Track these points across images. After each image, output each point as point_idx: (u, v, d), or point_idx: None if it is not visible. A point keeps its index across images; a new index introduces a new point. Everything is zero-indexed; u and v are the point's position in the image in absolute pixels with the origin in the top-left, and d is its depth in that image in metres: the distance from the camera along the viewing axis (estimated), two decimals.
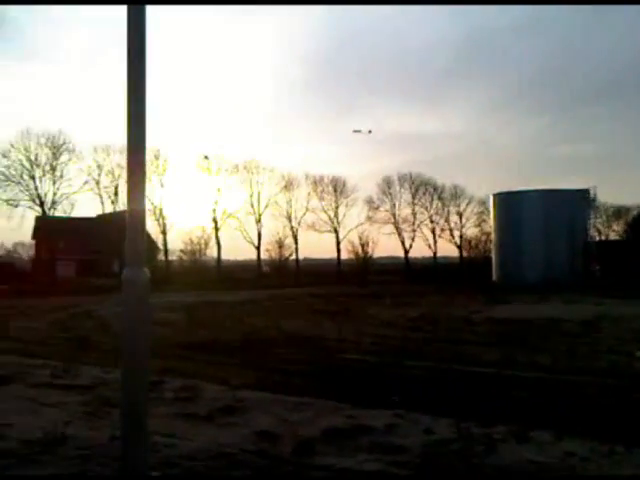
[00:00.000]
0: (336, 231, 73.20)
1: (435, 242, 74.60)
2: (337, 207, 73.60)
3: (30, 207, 61.40)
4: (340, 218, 73.53)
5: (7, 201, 59.76)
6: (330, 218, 73.27)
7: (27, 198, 60.86)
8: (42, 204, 61.10)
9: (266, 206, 70.86)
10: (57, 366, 10.10)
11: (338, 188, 73.50)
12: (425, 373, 9.82)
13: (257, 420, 6.68)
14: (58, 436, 5.83)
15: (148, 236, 65.09)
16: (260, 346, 12.84)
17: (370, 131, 75.15)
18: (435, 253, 74.95)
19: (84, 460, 5.30)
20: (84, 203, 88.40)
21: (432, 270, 66.33)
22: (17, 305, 26.99)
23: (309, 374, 9.81)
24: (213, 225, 68.55)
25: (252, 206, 70.18)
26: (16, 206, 60.40)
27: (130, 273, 4.24)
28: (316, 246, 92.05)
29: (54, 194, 61.67)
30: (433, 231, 74.92)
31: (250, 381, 8.93)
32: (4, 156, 60.24)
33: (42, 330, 17.61)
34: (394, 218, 74.10)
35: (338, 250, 73.52)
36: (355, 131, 72.62)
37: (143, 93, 4.26)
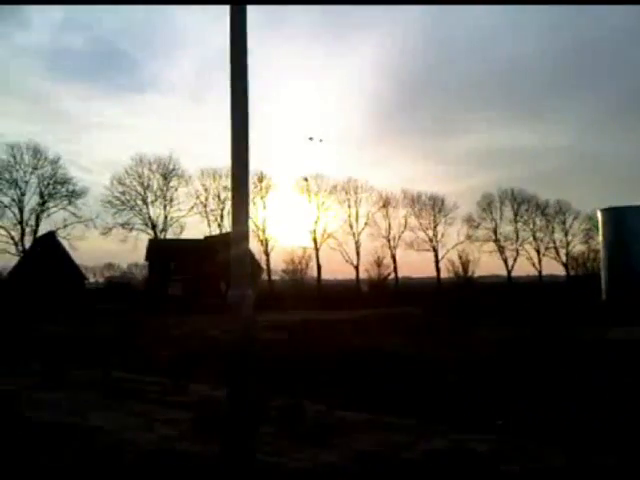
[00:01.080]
0: (435, 250, 72.21)
1: (540, 260, 71.93)
2: (436, 225, 72.67)
3: (143, 230, 64.87)
4: (439, 236, 72.56)
5: (123, 225, 63.42)
6: (429, 237, 72.43)
7: (140, 222, 64.36)
8: (154, 227, 64.37)
9: (364, 225, 71.03)
10: (168, 383, 10.43)
11: (436, 206, 72.60)
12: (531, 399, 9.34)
13: (358, 441, 6.57)
14: (169, 451, 5.98)
15: (252, 257, 66.70)
16: (360, 365, 12.71)
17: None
18: (540, 271, 72.20)
19: (193, 475, 5.39)
20: (192, 225, 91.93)
21: (537, 289, 63.75)
22: (132, 322, 28.29)
23: (409, 394, 9.58)
24: (313, 245, 69.49)
25: (350, 226, 70.58)
26: (131, 229, 64.00)
27: (236, 293, 4.28)
28: (415, 265, 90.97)
29: (165, 217, 64.86)
30: (537, 249, 72.33)
31: (351, 401, 8.83)
32: (120, 182, 64.04)
33: (154, 347, 18.29)
34: (495, 236, 72.22)
35: (437, 269, 72.40)
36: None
37: (246, 117, 4.33)
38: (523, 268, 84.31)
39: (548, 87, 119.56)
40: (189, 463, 5.71)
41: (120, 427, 7.24)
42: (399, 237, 72.16)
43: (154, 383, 10.67)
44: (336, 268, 77.88)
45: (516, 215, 72.78)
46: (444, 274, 73.04)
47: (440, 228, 72.83)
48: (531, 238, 72.64)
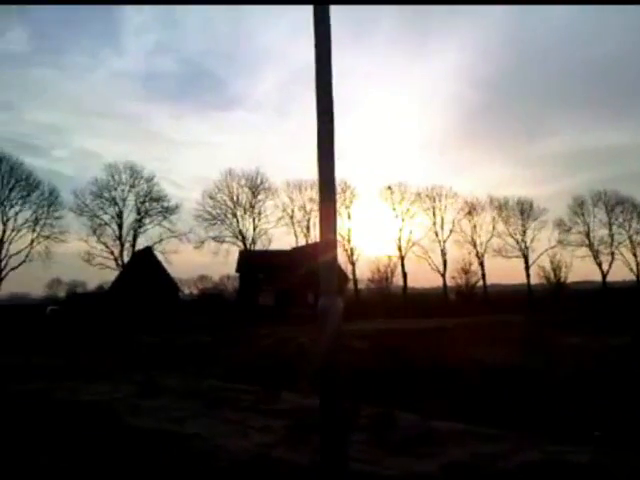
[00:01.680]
0: (525, 256, 69.88)
1: (637, 264, 68.25)
2: (525, 231, 70.38)
3: (233, 243, 66.48)
4: (528, 242, 70.18)
5: (214, 238, 65.31)
6: (517, 242, 70.22)
7: (231, 234, 66.04)
8: (244, 239, 65.88)
9: (450, 232, 69.81)
10: (260, 391, 10.57)
11: (525, 211, 70.34)
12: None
13: (451, 451, 6.41)
14: (264, 458, 6.05)
15: (338, 266, 66.86)
16: (450, 375, 12.42)
17: None
18: (638, 276, 68.46)
19: None
20: (280, 237, 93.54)
21: (635, 294, 60.41)
22: (224, 333, 29.00)
23: (504, 405, 9.26)
24: (398, 253, 68.92)
25: (436, 233, 69.56)
26: (222, 242, 65.79)
27: (325, 302, 4.26)
28: (504, 272, 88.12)
29: (254, 230, 66.24)
30: (634, 252, 68.68)
31: (442, 410, 8.63)
32: (210, 197, 66.03)
33: (246, 356, 18.64)
34: (588, 240, 69.14)
35: (528, 275, 70.01)
36: None
37: (332, 125, 4.34)
38: (619, 273, 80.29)
39: (634, 85, 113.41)
40: (283, 470, 5.74)
41: (216, 434, 7.39)
42: (486, 243, 70.42)
43: (247, 391, 10.85)
44: (422, 276, 77.12)
45: (610, 218, 69.39)
46: (535, 280, 70.55)
47: (529, 233, 70.49)
48: (627, 241, 69.05)
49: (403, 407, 8.81)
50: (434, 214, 69.68)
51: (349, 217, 67.97)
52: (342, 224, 65.02)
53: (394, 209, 69.29)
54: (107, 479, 5.80)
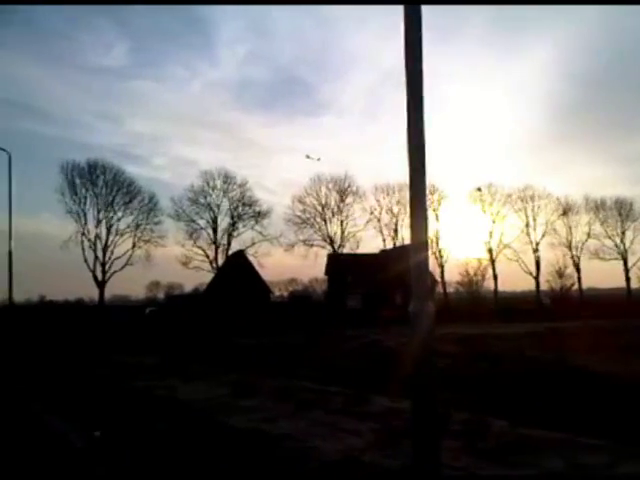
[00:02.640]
0: (624, 258, 66.35)
1: None
2: (623, 232, 66.85)
3: (322, 246, 67.04)
4: (627, 244, 66.58)
5: (304, 241, 66.13)
6: (616, 244, 66.76)
7: (320, 238, 66.63)
8: (332, 243, 66.30)
9: (543, 235, 67.33)
10: (350, 394, 10.53)
11: (623, 211, 66.77)
12: None
13: (546, 461, 6.11)
14: (355, 461, 6.00)
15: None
16: (544, 382, 11.91)
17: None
18: None
19: None
20: (368, 240, 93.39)
21: None
22: (314, 335, 29.22)
23: (606, 415, 8.76)
24: (488, 256, 67.16)
25: (528, 235, 67.26)
26: (311, 245, 66.48)
27: (417, 306, 4.16)
28: (602, 275, 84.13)
29: (342, 233, 66.53)
30: None
31: (537, 418, 8.27)
32: (300, 201, 66.93)
33: (335, 359, 18.67)
34: None
35: (627, 279, 66.41)
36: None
37: (422, 129, 4.24)
38: None
39: None
40: (374, 474, 5.67)
41: (306, 435, 7.41)
42: (582, 246, 67.40)
43: (337, 393, 10.84)
44: (514, 279, 74.70)
45: None
46: (635, 284, 66.76)
47: (629, 235, 66.91)
48: None
49: (496, 414, 8.52)
50: (526, 215, 67.47)
51: (437, 219, 67.04)
52: (430, 226, 64.03)
53: (484, 211, 67.64)
54: (200, 475, 5.93)
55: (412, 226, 4.22)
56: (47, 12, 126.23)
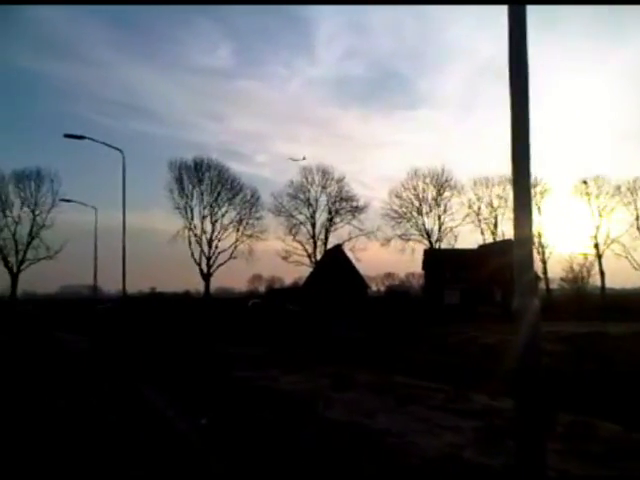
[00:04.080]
0: None
1: None
2: None
3: (419, 240, 66.31)
4: None
5: (400, 236, 65.68)
6: None
7: (417, 232, 65.93)
8: (429, 237, 65.42)
9: None
10: (449, 391, 10.33)
11: None
12: None
13: None
14: (454, 458, 5.87)
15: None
16: None
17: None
18: None
19: None
20: (466, 234, 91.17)
21: None
22: (411, 330, 28.92)
23: None
24: (595, 251, 63.84)
25: (638, 229, 63.29)
26: (408, 240, 65.91)
27: (521, 302, 3.98)
28: None
29: (439, 227, 65.48)
30: None
31: None
32: (397, 196, 66.48)
33: (433, 354, 18.39)
34: None
35: None
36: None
37: (527, 118, 4.05)
38: None
39: None
40: (475, 472, 5.52)
41: (406, 430, 7.33)
42: None
43: (436, 390, 10.66)
44: (622, 276, 70.41)
45: None
46: None
47: None
48: None
49: (607, 417, 8.06)
50: (636, 208, 63.47)
51: (540, 212, 64.43)
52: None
53: (590, 204, 64.31)
54: (303, 468, 5.99)
55: (516, 220, 4.05)
56: (155, 15, 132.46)
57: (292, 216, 67.32)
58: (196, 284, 72.09)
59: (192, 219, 65.07)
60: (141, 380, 13.31)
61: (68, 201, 45.36)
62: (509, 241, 66.09)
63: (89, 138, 27.01)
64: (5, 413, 9.51)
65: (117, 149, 26.46)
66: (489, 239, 67.28)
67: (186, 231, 64.91)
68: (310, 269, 67.88)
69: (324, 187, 67.49)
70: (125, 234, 25.68)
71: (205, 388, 11.39)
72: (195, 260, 65.21)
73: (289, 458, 6.25)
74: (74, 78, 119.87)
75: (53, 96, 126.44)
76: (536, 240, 62.87)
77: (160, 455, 6.74)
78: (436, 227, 66.83)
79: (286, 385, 11.41)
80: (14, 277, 65.63)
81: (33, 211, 65.80)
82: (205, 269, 65.36)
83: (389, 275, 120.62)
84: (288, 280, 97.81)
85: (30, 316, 46.79)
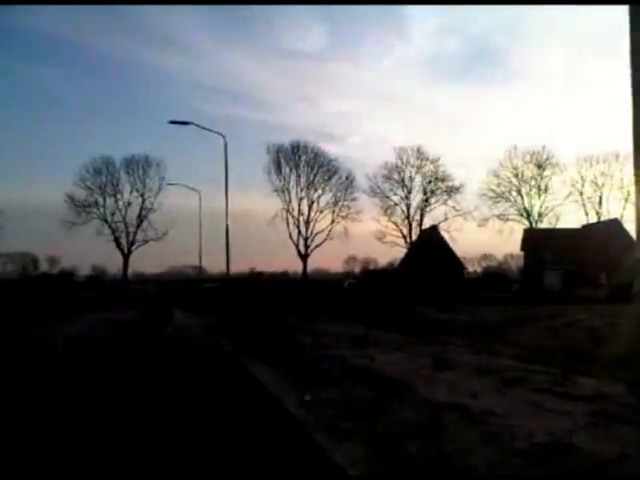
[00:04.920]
0: None
1: None
2: None
3: (518, 221, 64.02)
4: None
5: (498, 216, 63.64)
6: None
7: (515, 212, 63.64)
8: (529, 217, 62.97)
9: None
10: (555, 374, 9.98)
11: None
12: None
13: None
14: (564, 444, 5.67)
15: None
16: None
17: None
18: None
19: (590, 472, 5.00)
20: (568, 214, 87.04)
21: None
22: (509, 312, 28.13)
23: None
24: None
25: None
26: (506, 220, 63.80)
27: None
28: None
29: (540, 207, 62.92)
30: None
31: None
32: (495, 175, 64.41)
33: (534, 336, 17.80)
34: None
35: None
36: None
37: None
38: None
39: None
40: (589, 460, 5.31)
41: (512, 413, 7.15)
42: None
43: (540, 372, 10.32)
44: None
45: None
46: None
47: None
48: None
49: None
50: None
51: None
52: None
53: None
54: (406, 449, 6.01)
55: (638, 198, 3.82)
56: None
57: (387, 197, 66.96)
58: (293, 265, 73.54)
59: (290, 201, 66.21)
60: (246, 354, 13.82)
61: (174, 185, 47.35)
62: (615, 220, 62.56)
63: (194, 124, 27.97)
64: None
65: (219, 134, 27.22)
66: (593, 219, 63.89)
67: (284, 213, 66.13)
68: (405, 250, 67.33)
69: (419, 167, 66.52)
70: (228, 216, 26.47)
71: (305, 364, 11.65)
72: (293, 241, 66.44)
73: (386, 441, 6.29)
74: (177, 67, 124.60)
75: (158, 85, 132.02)
76: None
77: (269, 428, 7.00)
78: (536, 207, 64.19)
79: (385, 364, 11.40)
80: (125, 258, 69.50)
81: (142, 195, 69.39)
82: (302, 250, 66.41)
83: (486, 256, 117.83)
84: (382, 261, 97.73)
85: (159, 296, 48.68)
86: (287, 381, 10.30)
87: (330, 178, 66.61)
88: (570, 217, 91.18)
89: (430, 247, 64.36)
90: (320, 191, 66.80)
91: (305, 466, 5.66)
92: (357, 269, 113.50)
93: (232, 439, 6.60)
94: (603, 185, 63.19)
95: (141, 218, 68.77)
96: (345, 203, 67.00)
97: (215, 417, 7.74)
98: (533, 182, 63.57)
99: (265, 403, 8.73)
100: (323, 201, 67.09)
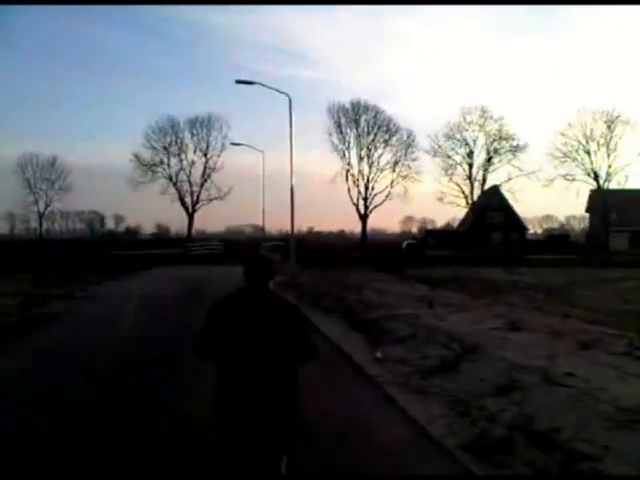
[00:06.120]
0: None
1: None
2: None
3: (584, 181, 61.58)
4: None
5: (564, 176, 61.28)
6: None
7: (582, 172, 61.18)
8: (596, 178, 60.48)
9: None
10: (632, 337, 9.65)
11: None
12: None
13: None
14: None
15: None
16: None
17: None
18: None
19: None
20: (638, 174, 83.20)
21: None
22: (574, 274, 27.36)
23: None
24: None
25: None
26: (572, 180, 61.43)
27: None
28: None
29: (608, 167, 60.29)
30: None
31: None
32: (562, 134, 61.89)
33: (602, 300, 17.27)
34: None
35: None
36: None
37: None
38: None
39: None
40: None
41: (592, 376, 6.95)
42: None
43: (616, 335, 10.00)
44: None
45: None
46: None
47: None
48: None
49: None
50: None
51: None
52: None
53: None
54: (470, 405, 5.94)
55: None
56: None
57: (448, 156, 65.29)
58: (351, 225, 73.33)
59: (350, 161, 65.64)
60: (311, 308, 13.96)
61: (237, 144, 47.61)
62: None
63: (259, 83, 27.84)
64: None
65: (284, 93, 27.01)
66: None
67: (344, 173, 65.65)
68: (465, 211, 66.08)
69: (482, 126, 64.46)
70: (292, 176, 26.45)
71: (370, 323, 11.67)
72: (352, 201, 66.08)
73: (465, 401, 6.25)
74: (239, 27, 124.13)
75: (221, 46, 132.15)
76: None
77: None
78: (605, 167, 61.49)
79: (455, 325, 11.24)
80: (190, 217, 70.89)
81: (205, 155, 69.95)
82: (362, 210, 66.06)
83: (547, 217, 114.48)
84: (440, 222, 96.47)
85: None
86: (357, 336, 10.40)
87: (391, 137, 65.51)
88: None
89: (492, 208, 62.84)
90: (380, 151, 65.90)
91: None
92: (414, 229, 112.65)
93: None
94: None
95: (205, 177, 69.71)
96: (405, 163, 65.89)
97: None
98: (602, 141, 60.90)
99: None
100: (383, 161, 66.20)
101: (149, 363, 8.64)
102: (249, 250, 38.53)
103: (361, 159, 65.68)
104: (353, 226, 68.98)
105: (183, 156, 69.78)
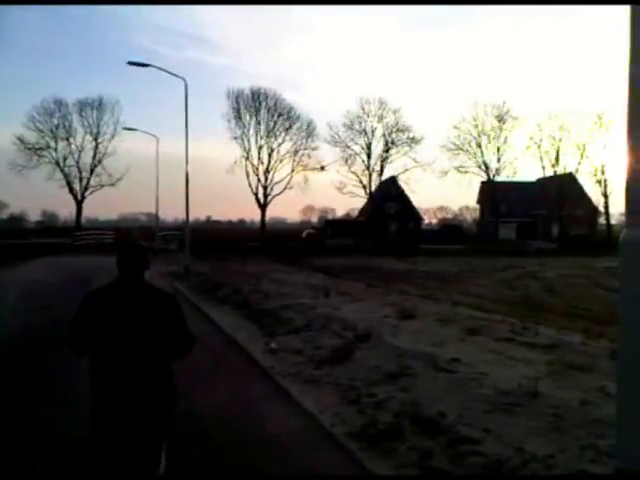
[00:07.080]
0: None
1: None
2: None
3: (476, 173, 64.56)
4: None
5: (457, 168, 63.94)
6: None
7: (474, 165, 64.11)
8: (487, 170, 63.58)
9: None
10: (514, 323, 10.20)
11: None
12: None
13: None
14: (530, 391, 5.79)
15: (589, 200, 61.64)
16: None
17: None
18: None
19: (558, 419, 5.13)
20: (525, 167, 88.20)
21: None
22: (465, 263, 28.68)
23: None
24: None
25: None
26: (465, 172, 64.22)
27: (632, 234, 3.67)
28: None
29: (498, 160, 63.53)
30: None
31: None
32: (455, 127, 64.49)
33: (490, 287, 18.22)
34: None
35: None
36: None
37: None
38: None
39: None
40: (551, 406, 5.45)
41: (476, 361, 7.27)
42: None
43: (500, 322, 10.55)
44: None
45: None
46: None
47: None
48: None
49: None
50: None
51: (604, 147, 61.53)
52: (597, 155, 59.17)
53: None
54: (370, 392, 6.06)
55: (631, 152, 3.73)
56: None
57: (347, 146, 66.30)
58: (251, 213, 72.98)
59: (249, 149, 65.02)
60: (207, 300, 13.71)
61: (131, 129, 45.84)
62: (570, 175, 63.99)
63: (153, 66, 26.83)
64: None
65: (180, 77, 26.24)
66: (550, 172, 64.94)
67: (243, 161, 64.97)
68: (364, 200, 67.49)
69: (380, 117, 65.94)
70: (188, 163, 25.77)
71: (266, 313, 11.63)
72: (252, 189, 65.61)
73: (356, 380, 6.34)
74: (137, 8, 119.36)
75: (116, 26, 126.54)
76: (599, 174, 60.50)
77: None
78: (495, 160, 64.79)
79: (350, 313, 11.39)
80: (79, 204, 67.62)
81: (96, 139, 66.73)
82: (262, 199, 65.77)
83: (442, 208, 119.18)
84: (340, 211, 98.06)
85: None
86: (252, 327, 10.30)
87: (291, 126, 65.56)
88: (528, 170, 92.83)
89: (389, 198, 64.59)
90: (280, 139, 65.81)
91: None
92: (315, 219, 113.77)
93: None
94: (560, 139, 64.11)
95: (95, 163, 66.66)
96: (305, 152, 66.21)
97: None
98: (493, 135, 64.10)
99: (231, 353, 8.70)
100: (283, 150, 66.17)
101: None
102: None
103: (261, 147, 65.31)
104: (253, 215, 68.91)
105: (72, 140, 66.29)
